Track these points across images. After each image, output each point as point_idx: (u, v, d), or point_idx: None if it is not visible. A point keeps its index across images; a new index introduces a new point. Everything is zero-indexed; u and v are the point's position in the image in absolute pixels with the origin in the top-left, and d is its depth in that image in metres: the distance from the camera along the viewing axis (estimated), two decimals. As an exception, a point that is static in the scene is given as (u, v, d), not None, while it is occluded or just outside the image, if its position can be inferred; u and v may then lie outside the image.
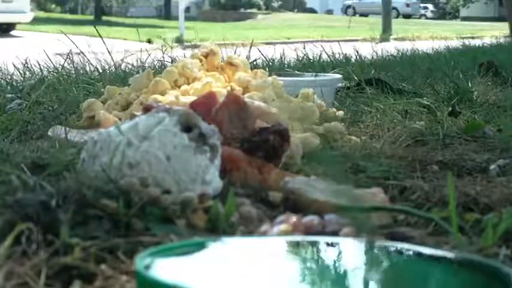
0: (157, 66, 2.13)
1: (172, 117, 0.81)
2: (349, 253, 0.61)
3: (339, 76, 1.61)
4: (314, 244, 0.61)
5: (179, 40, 9.61)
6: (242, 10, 23.98)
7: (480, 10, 24.55)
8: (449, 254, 0.58)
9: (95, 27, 2.32)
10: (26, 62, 2.23)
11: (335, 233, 0.70)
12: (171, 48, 2.51)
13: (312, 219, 0.72)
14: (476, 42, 4.56)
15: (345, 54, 2.64)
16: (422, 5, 26.97)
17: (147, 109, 0.86)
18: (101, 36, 2.06)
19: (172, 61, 2.06)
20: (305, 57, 2.54)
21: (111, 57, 2.14)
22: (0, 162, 0.87)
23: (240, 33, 11.24)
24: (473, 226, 0.73)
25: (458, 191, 0.83)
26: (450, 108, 1.35)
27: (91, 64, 2.11)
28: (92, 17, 20.37)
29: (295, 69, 2.18)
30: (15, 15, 13.30)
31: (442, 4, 28.23)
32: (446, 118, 1.32)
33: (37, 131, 1.24)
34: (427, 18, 25.54)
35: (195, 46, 2.14)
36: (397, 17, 21.34)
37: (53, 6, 26.04)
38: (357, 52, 2.73)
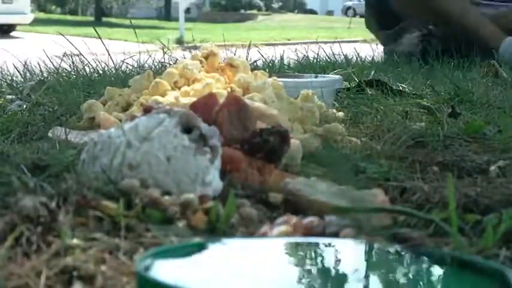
0: (157, 68, 2.13)
1: (173, 118, 0.81)
2: (348, 254, 0.61)
3: (339, 77, 1.60)
4: (314, 245, 0.61)
5: (179, 41, 9.62)
6: (242, 11, 23.99)
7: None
8: (449, 255, 0.58)
9: (94, 28, 2.32)
10: (26, 63, 2.23)
11: (335, 234, 0.70)
12: (170, 49, 2.51)
13: (312, 220, 0.72)
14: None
15: (345, 55, 2.64)
16: None
17: (147, 110, 0.86)
18: (100, 37, 2.06)
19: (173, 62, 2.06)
20: (305, 58, 2.54)
21: (111, 59, 2.14)
22: (0, 163, 0.87)
23: (240, 34, 11.25)
24: (473, 227, 0.73)
25: (458, 192, 0.83)
26: (450, 109, 1.35)
27: (91, 65, 2.11)
28: (92, 18, 20.39)
29: (295, 70, 2.18)
30: (15, 16, 13.31)
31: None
32: (446, 119, 1.32)
33: (37, 132, 1.24)
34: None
35: (195, 47, 2.14)
36: (397, 18, 21.27)
37: (53, 7, 26.04)
38: (357, 53, 2.73)
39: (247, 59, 2.05)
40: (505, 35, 2.52)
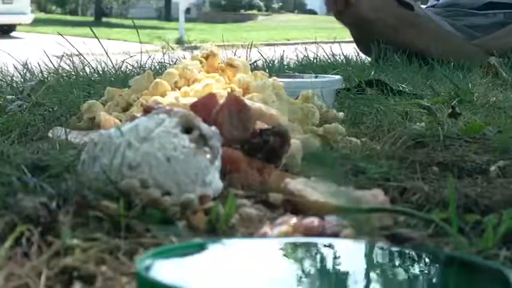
0: (157, 68, 2.13)
1: (173, 118, 0.81)
2: (348, 254, 0.61)
3: (339, 77, 1.60)
4: (314, 245, 0.61)
5: (179, 41, 9.62)
6: (242, 11, 23.97)
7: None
8: (449, 255, 0.58)
9: (91, 28, 2.31)
10: (26, 64, 2.22)
11: (335, 235, 0.70)
12: (172, 49, 2.51)
13: (312, 220, 0.72)
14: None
15: (345, 55, 2.64)
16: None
17: (147, 110, 0.86)
18: (97, 37, 2.06)
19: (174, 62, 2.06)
20: (305, 58, 2.53)
21: (110, 59, 2.13)
22: (0, 164, 0.87)
23: (240, 34, 11.26)
24: (473, 227, 0.73)
25: (458, 192, 0.83)
26: (450, 110, 1.35)
27: (91, 66, 2.11)
28: (92, 19, 20.39)
29: (296, 71, 2.18)
30: (15, 16, 13.33)
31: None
32: (446, 119, 1.31)
33: (37, 132, 1.24)
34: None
35: (195, 47, 2.14)
36: (397, 18, 21.22)
37: (53, 7, 26.03)
38: (357, 53, 2.73)
39: (247, 59, 2.04)
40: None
